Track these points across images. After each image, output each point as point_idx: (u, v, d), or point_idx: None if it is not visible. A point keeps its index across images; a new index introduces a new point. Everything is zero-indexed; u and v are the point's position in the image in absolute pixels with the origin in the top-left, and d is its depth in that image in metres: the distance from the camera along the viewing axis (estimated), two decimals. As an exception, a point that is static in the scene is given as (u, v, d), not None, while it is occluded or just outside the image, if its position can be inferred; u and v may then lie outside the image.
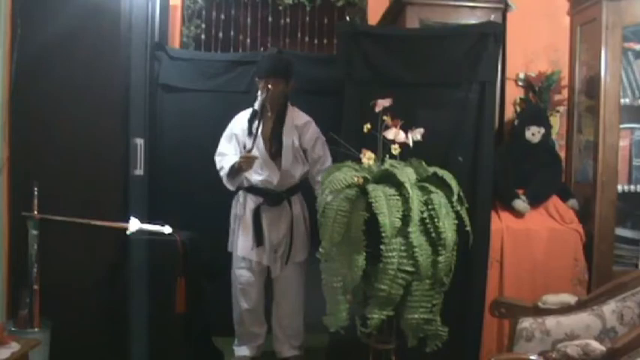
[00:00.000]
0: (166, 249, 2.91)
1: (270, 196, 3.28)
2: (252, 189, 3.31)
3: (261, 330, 3.45)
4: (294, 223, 3.30)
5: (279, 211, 3.30)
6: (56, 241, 2.83)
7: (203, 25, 4.27)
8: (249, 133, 3.24)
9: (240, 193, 3.37)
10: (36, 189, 2.80)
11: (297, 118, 3.31)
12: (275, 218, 3.30)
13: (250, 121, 3.27)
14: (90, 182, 2.89)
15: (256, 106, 3.30)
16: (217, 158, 3.32)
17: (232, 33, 4.29)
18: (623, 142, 3.42)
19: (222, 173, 3.27)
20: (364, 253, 2.34)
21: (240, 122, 3.33)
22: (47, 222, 2.80)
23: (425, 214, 2.37)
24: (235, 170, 3.22)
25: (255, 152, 3.19)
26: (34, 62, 2.86)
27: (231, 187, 3.31)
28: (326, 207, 2.43)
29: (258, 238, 3.27)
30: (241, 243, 3.32)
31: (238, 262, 3.36)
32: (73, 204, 2.85)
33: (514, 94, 3.80)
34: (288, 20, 4.28)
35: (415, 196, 2.33)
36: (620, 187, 3.38)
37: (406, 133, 2.58)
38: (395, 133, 2.56)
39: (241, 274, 3.35)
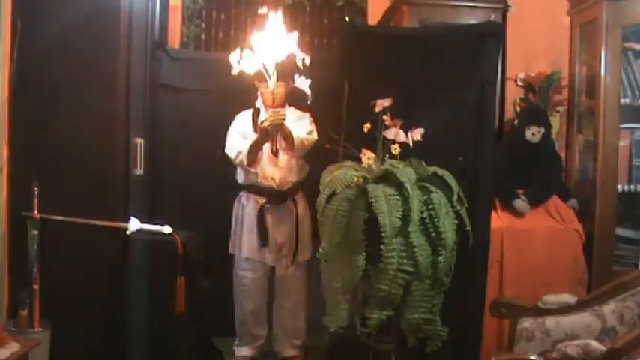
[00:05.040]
0: (166, 249, 2.90)
1: (273, 196, 3.28)
2: (255, 189, 3.31)
3: (263, 331, 3.45)
4: (299, 222, 3.30)
5: (283, 210, 3.31)
6: (56, 241, 2.83)
7: (203, 25, 4.27)
8: (255, 131, 3.25)
9: (243, 193, 3.37)
10: (36, 189, 2.80)
11: (294, 114, 3.32)
12: (279, 218, 3.31)
13: (253, 120, 3.28)
14: (90, 182, 2.89)
15: (257, 105, 3.31)
16: (229, 151, 3.27)
17: (232, 33, 4.29)
18: (623, 142, 3.42)
19: (241, 157, 3.21)
20: (364, 253, 2.34)
21: (244, 119, 3.34)
22: (47, 222, 2.80)
23: (425, 214, 2.37)
24: (261, 138, 3.15)
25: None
26: (34, 62, 2.86)
27: (249, 169, 3.25)
28: (326, 207, 2.43)
29: (263, 239, 3.27)
30: (245, 244, 3.32)
31: (241, 263, 3.35)
32: (73, 204, 2.85)
33: (514, 94, 3.80)
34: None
35: (415, 196, 2.33)
36: (620, 187, 3.38)
37: (406, 133, 2.58)
38: (395, 133, 2.56)
39: (245, 275, 3.35)
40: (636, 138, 3.47)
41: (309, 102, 3.18)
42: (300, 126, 3.27)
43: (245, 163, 3.22)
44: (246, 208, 3.33)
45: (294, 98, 3.29)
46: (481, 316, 2.99)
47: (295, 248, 3.30)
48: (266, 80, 3.12)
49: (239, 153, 3.22)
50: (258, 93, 3.31)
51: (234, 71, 2.96)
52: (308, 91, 3.13)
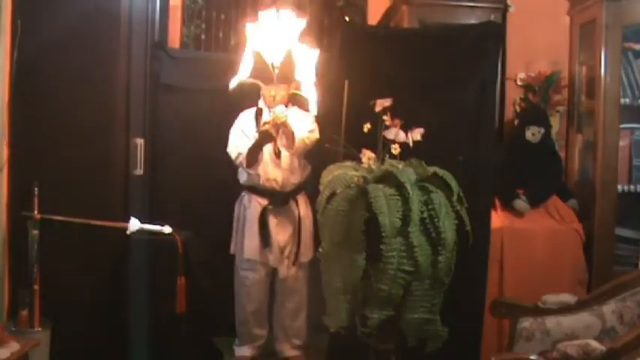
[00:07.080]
0: (166, 249, 2.91)
1: (275, 197, 3.28)
2: (257, 190, 3.30)
3: (264, 331, 3.45)
4: (302, 223, 3.30)
5: (286, 211, 3.31)
6: (56, 241, 2.83)
7: (203, 25, 4.27)
8: (258, 131, 3.24)
9: (245, 194, 3.37)
10: (36, 189, 2.80)
11: (297, 113, 3.31)
12: (282, 219, 3.30)
13: (257, 119, 3.28)
14: (90, 182, 2.89)
15: (260, 104, 3.31)
16: (231, 150, 3.27)
17: (232, 33, 4.29)
18: (623, 142, 3.42)
19: (241, 158, 3.21)
20: (364, 253, 2.34)
21: (247, 118, 3.34)
22: (47, 222, 2.80)
23: (425, 214, 2.37)
24: (261, 140, 3.15)
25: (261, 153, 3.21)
26: (34, 62, 2.85)
27: (251, 171, 3.25)
28: (326, 207, 2.43)
29: (266, 240, 3.27)
30: (247, 245, 3.31)
31: (243, 263, 3.35)
32: (73, 204, 2.85)
33: (514, 94, 3.80)
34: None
35: (415, 196, 2.33)
36: (620, 187, 3.38)
37: (406, 133, 2.58)
38: (395, 133, 2.57)
39: (246, 275, 3.34)
40: (636, 138, 3.46)
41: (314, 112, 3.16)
42: (303, 125, 3.27)
43: (244, 164, 3.22)
44: (248, 209, 3.33)
45: (298, 99, 3.29)
46: (481, 316, 2.99)
47: (297, 249, 3.30)
48: (268, 82, 3.12)
49: (239, 154, 3.22)
50: (261, 93, 3.31)
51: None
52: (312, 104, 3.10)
